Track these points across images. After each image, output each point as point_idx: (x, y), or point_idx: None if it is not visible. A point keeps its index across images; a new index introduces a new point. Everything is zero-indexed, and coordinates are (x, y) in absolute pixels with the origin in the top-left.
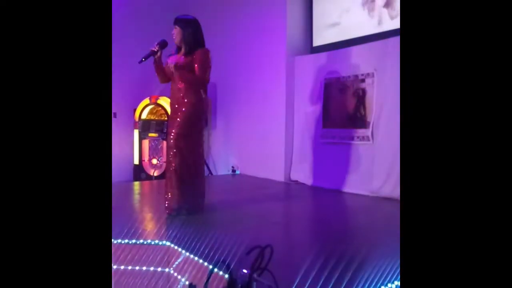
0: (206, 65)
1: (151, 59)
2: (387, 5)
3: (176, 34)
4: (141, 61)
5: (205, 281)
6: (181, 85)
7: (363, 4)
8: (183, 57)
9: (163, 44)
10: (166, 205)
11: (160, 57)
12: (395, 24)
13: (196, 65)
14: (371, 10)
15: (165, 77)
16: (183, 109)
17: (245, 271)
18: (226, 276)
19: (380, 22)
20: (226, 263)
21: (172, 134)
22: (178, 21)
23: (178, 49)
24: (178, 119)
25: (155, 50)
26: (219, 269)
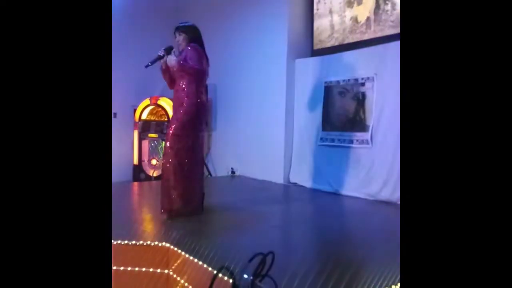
0: (199, 57)
1: (158, 64)
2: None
3: (181, 40)
4: (148, 65)
5: (208, 286)
6: (181, 86)
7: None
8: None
9: (169, 50)
10: (165, 206)
11: (166, 62)
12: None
13: (189, 60)
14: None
15: (173, 82)
16: (181, 110)
17: (246, 276)
18: (226, 278)
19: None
20: (229, 268)
21: (169, 134)
22: (183, 28)
23: (179, 53)
24: (176, 120)
25: (162, 55)
26: (221, 273)
